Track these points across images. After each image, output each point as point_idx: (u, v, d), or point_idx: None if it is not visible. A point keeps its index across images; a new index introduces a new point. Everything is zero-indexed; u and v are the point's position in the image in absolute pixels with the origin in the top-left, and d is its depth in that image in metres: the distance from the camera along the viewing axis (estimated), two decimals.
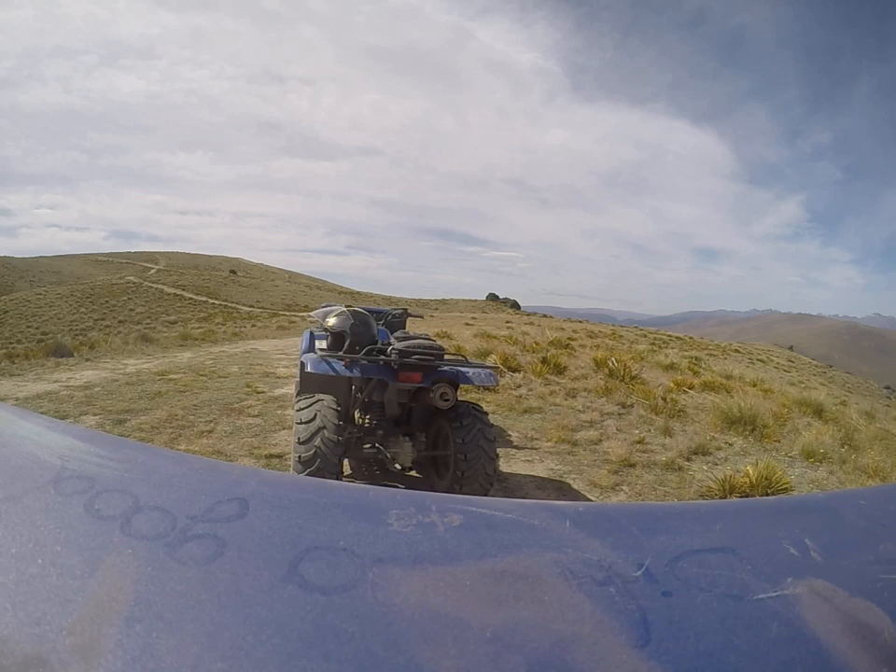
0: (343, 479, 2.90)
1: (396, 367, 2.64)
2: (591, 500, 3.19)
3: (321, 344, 3.14)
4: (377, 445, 2.88)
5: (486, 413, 2.88)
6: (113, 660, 0.27)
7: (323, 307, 3.73)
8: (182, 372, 6.54)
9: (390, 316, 4.04)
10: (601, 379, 6.89)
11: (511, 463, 3.79)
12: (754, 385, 8.32)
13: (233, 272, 56.40)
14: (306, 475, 2.31)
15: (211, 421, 4.30)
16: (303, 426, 2.45)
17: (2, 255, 67.41)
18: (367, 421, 3.14)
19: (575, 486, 3.46)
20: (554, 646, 0.29)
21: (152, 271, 52.35)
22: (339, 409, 2.57)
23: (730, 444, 4.65)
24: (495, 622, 0.30)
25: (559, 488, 3.43)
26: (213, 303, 36.82)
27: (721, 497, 3.25)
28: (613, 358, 7.69)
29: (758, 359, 23.67)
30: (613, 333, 18.45)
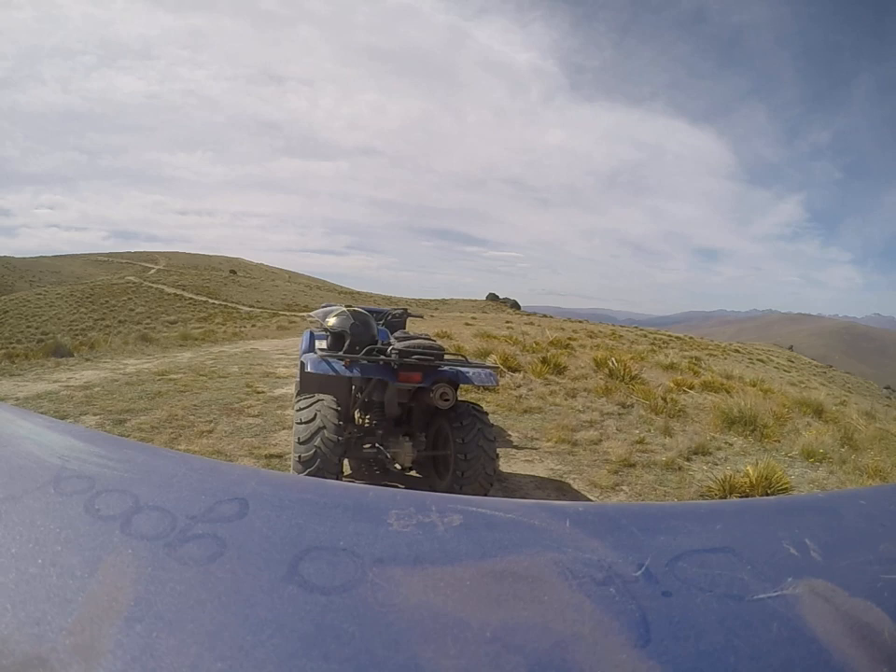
0: (343, 479, 2.89)
1: (396, 367, 2.64)
2: (591, 500, 3.19)
3: (321, 344, 3.14)
4: (377, 445, 2.88)
5: (486, 413, 2.87)
6: (113, 660, 0.27)
7: (323, 307, 3.73)
8: (182, 372, 6.54)
9: (390, 316, 4.04)
10: (601, 379, 6.88)
11: (510, 463, 3.78)
12: (754, 385, 8.31)
13: (233, 272, 56.41)
14: (306, 475, 2.31)
15: (211, 421, 4.30)
16: (303, 426, 2.45)
17: (2, 255, 67.40)
18: (367, 421, 3.14)
19: (575, 486, 3.46)
20: (554, 646, 0.29)
21: (152, 271, 52.35)
22: (339, 409, 2.57)
23: (730, 444, 4.65)
24: (495, 622, 0.30)
25: (559, 488, 3.43)
26: (213, 303, 36.79)
27: (721, 497, 3.25)
28: (613, 358, 7.69)
29: (758, 359, 23.65)
30: (613, 333, 18.44)
